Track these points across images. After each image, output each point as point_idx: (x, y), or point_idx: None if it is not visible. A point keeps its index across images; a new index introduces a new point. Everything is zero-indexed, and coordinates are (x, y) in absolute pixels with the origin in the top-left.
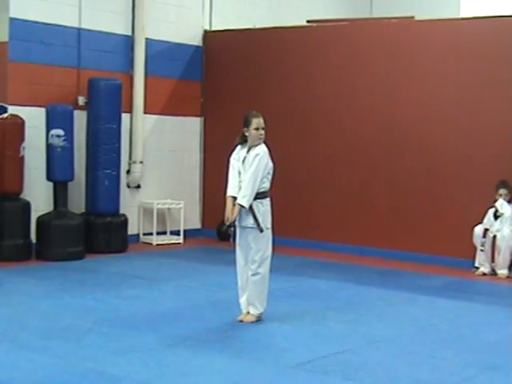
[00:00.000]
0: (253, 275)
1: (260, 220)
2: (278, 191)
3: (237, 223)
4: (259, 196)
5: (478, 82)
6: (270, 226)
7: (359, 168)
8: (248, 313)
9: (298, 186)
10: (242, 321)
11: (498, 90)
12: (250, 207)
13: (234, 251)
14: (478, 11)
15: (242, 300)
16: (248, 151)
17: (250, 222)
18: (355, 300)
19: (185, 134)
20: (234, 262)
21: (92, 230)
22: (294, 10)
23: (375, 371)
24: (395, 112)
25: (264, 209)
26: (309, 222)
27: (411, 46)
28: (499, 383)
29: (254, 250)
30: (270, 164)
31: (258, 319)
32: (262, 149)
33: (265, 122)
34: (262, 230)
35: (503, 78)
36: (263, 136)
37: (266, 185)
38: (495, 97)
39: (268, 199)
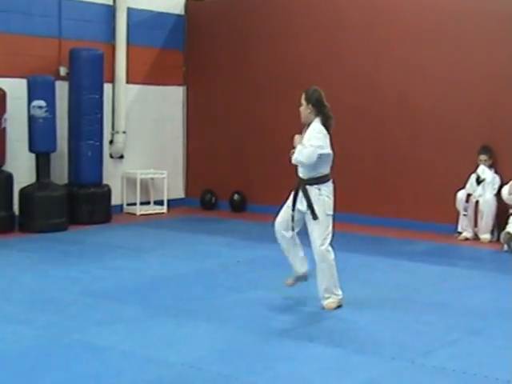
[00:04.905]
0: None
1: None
2: (261, 156)
3: None
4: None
5: (462, 44)
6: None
7: (343, 134)
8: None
9: (281, 151)
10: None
11: (482, 52)
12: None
13: None
14: None
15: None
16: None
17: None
18: (339, 266)
19: (168, 103)
20: (217, 231)
21: (75, 201)
22: None
23: (359, 337)
24: (379, 77)
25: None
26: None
27: (396, 5)
28: (482, 347)
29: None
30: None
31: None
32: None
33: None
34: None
35: (489, 39)
36: (301, 112)
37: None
38: (479, 60)
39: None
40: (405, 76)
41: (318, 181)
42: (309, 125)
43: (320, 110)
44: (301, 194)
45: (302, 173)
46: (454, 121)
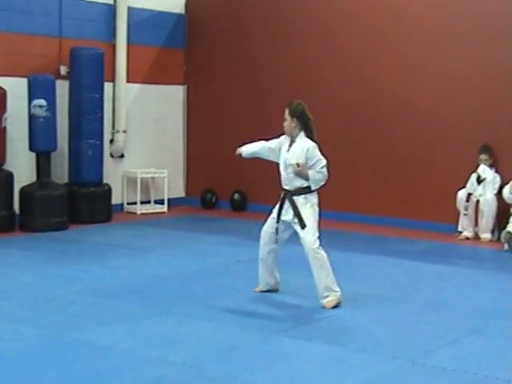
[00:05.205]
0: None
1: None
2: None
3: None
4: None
5: (462, 43)
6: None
7: (343, 133)
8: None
9: None
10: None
11: (483, 51)
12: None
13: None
14: None
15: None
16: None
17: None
18: (340, 266)
19: (168, 102)
20: (217, 230)
21: (76, 200)
22: None
23: (359, 336)
24: (380, 76)
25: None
26: None
27: (398, 4)
28: (483, 346)
29: None
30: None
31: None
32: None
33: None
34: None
35: (490, 38)
36: (285, 127)
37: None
38: (479, 59)
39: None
40: (405, 75)
41: (305, 191)
42: (292, 138)
43: (304, 123)
44: (287, 204)
45: (287, 185)
46: (455, 120)
